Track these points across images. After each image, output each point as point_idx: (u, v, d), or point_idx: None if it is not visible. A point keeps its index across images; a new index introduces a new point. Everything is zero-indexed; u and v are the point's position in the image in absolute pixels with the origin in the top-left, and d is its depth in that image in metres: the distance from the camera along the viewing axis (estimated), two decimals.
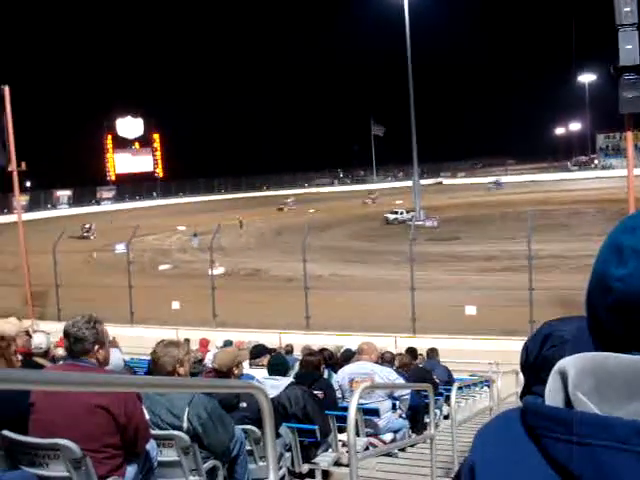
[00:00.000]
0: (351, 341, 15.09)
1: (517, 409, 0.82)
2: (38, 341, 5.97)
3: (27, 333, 7.03)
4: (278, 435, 5.35)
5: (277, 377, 6.43)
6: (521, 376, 2.09)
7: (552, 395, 0.76)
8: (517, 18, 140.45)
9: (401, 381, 8.21)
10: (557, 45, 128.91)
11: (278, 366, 6.68)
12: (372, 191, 76.77)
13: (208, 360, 13.27)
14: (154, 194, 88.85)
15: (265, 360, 7.52)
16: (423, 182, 60.57)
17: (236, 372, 5.59)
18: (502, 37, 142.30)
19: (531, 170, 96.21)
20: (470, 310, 19.35)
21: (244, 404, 5.14)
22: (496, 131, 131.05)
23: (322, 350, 9.62)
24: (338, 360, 11.57)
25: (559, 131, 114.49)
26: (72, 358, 3.83)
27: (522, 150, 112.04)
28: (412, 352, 13.31)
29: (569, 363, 0.75)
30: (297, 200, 72.95)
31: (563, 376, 0.75)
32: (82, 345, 3.76)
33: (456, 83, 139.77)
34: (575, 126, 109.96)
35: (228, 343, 16.66)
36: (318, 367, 7.47)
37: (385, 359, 9.82)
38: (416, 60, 48.71)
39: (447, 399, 9.96)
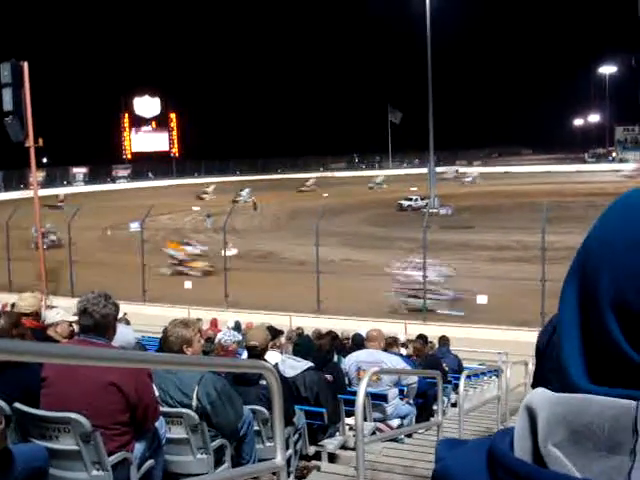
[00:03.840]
0: (361, 326, 15.13)
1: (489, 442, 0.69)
2: (47, 315, 6.09)
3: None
4: (292, 423, 5.37)
5: (298, 358, 6.45)
6: (530, 366, 2.09)
7: (521, 437, 0.64)
8: (538, 7, 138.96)
9: (409, 369, 8.24)
10: (578, 35, 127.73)
11: (301, 347, 6.75)
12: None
13: (218, 339, 13.36)
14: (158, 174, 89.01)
15: (278, 342, 7.56)
16: (438, 169, 60.24)
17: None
18: (522, 26, 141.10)
19: (548, 161, 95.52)
20: (481, 299, 19.35)
21: (264, 381, 5.16)
22: (513, 121, 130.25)
23: (329, 332, 9.64)
24: (343, 342, 11.60)
25: (577, 122, 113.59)
26: (84, 334, 3.87)
27: (539, 140, 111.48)
28: (422, 339, 13.33)
29: (538, 404, 0.64)
30: (318, 182, 73.46)
31: (531, 416, 0.64)
32: (94, 321, 3.79)
33: (474, 71, 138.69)
34: (594, 118, 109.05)
35: (237, 324, 16.77)
36: (328, 350, 7.50)
37: (387, 344, 9.83)
38: (435, 47, 48.37)
39: (455, 387, 9.98)
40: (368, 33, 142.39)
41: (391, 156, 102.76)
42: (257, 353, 5.46)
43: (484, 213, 45.16)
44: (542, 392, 0.65)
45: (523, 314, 17.47)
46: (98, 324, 3.79)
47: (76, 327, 7.09)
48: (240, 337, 7.09)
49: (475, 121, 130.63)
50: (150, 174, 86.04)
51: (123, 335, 6.21)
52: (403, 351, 11.52)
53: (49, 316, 6.13)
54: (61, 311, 6.34)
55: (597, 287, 0.63)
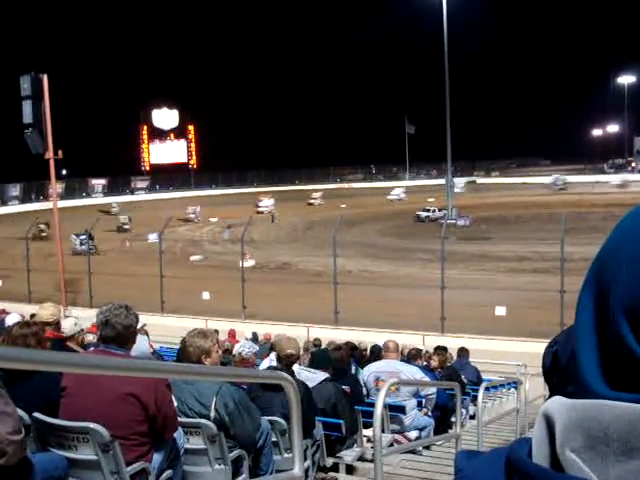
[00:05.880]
0: (379, 337, 15.08)
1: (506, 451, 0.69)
2: (63, 325, 6.11)
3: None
4: (311, 435, 5.36)
5: (314, 370, 6.43)
6: None
7: (539, 445, 0.65)
8: (555, 18, 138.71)
9: (427, 380, 8.18)
10: (596, 45, 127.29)
11: (317, 358, 6.73)
12: None
13: (236, 350, 13.38)
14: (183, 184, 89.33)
15: None
16: (456, 180, 60.07)
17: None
18: (539, 36, 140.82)
19: (566, 171, 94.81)
20: (500, 311, 19.20)
21: None
22: (531, 131, 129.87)
23: (346, 343, 9.61)
24: (362, 353, 11.56)
25: (596, 133, 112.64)
26: (104, 344, 3.89)
27: (558, 151, 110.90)
28: (444, 350, 13.25)
29: (555, 411, 0.64)
30: (325, 195, 72.05)
31: (549, 423, 0.64)
32: (116, 332, 3.81)
33: (492, 82, 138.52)
34: (613, 128, 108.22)
35: (255, 335, 16.80)
36: (346, 362, 7.47)
37: (411, 356, 9.79)
38: (452, 58, 48.35)
39: (474, 399, 9.92)
40: (385, 45, 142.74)
41: (408, 167, 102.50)
42: (292, 362, 5.49)
43: (502, 224, 45.00)
44: (559, 399, 0.65)
45: (542, 325, 17.30)
46: (120, 335, 3.81)
47: (91, 336, 7.13)
48: (258, 348, 7.09)
49: (493, 132, 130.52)
50: (158, 186, 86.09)
51: (137, 345, 6.25)
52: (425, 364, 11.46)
53: (63, 326, 6.17)
54: (72, 320, 6.39)
55: (611, 294, 0.64)
